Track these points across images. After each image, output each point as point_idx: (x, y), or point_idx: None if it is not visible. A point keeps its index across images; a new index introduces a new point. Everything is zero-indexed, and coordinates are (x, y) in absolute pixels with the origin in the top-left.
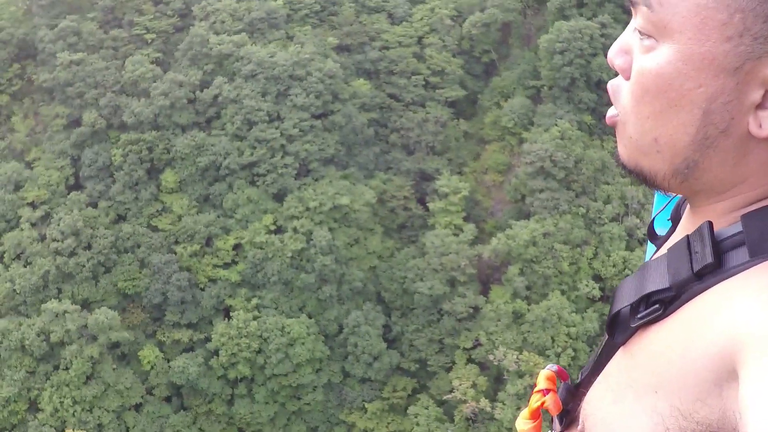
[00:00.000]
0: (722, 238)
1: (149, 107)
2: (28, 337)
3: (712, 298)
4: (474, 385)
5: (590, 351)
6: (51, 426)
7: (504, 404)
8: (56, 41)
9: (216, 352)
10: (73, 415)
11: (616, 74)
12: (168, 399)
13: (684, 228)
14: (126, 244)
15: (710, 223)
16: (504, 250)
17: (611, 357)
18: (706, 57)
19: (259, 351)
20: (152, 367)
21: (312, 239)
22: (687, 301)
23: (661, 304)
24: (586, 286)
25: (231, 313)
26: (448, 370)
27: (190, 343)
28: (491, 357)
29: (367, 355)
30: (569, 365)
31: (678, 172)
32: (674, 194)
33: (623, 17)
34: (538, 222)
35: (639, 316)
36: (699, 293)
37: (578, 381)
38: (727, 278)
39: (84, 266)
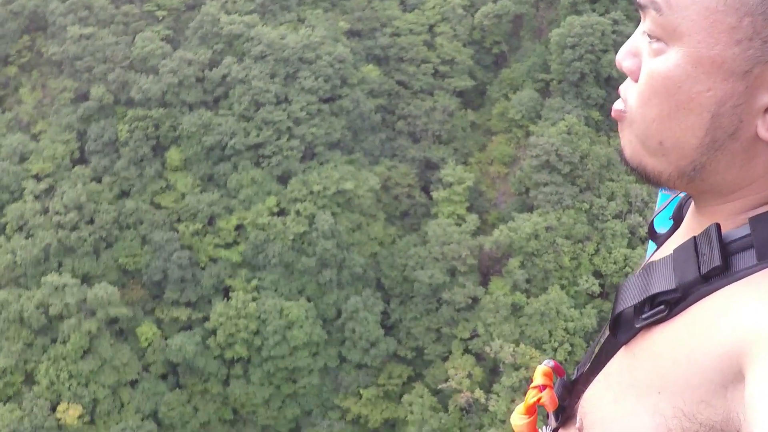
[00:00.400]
0: (730, 241)
1: (157, 84)
2: (27, 310)
3: (720, 301)
4: (469, 376)
5: (587, 347)
6: (46, 399)
7: (498, 396)
8: (67, 14)
9: (214, 332)
10: (69, 389)
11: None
12: (164, 377)
13: (689, 228)
14: (128, 220)
15: (718, 225)
16: (506, 242)
17: (612, 356)
18: (715, 60)
19: (257, 332)
20: (149, 344)
21: (314, 223)
22: (693, 303)
23: (667, 305)
24: (586, 281)
25: (230, 294)
26: (445, 359)
27: (189, 321)
28: (488, 348)
29: (365, 341)
30: (565, 360)
31: (684, 174)
32: (679, 192)
33: (635, 15)
34: (541, 215)
35: (644, 316)
36: (705, 295)
37: (575, 377)
38: (734, 281)
39: (86, 241)
